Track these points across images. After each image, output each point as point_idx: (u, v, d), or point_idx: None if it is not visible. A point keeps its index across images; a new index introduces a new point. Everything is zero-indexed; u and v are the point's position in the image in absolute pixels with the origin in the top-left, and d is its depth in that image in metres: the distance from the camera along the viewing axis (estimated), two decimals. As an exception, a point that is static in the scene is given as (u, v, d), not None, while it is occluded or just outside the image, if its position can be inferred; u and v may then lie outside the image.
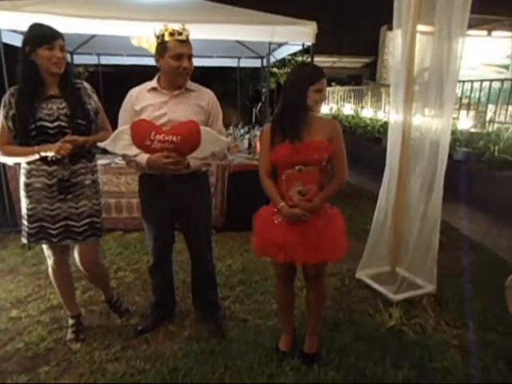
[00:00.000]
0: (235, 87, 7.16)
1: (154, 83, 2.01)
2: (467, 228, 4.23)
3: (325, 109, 11.67)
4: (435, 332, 2.37)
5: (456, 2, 2.38)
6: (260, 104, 7.31)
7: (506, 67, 10.16)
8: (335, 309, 2.61)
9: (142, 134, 1.92)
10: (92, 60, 6.04)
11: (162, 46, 1.91)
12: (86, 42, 5.21)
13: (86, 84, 2.09)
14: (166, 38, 1.88)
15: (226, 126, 5.23)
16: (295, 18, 3.94)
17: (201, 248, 2.25)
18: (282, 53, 5.08)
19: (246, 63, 6.26)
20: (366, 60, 14.17)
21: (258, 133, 4.27)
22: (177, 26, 1.92)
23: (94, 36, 4.94)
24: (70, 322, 2.28)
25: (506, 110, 5.73)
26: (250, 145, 4.22)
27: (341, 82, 12.04)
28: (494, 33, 10.28)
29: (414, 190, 2.72)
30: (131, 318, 2.47)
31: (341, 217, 1.94)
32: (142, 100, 1.99)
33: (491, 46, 10.09)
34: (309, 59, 4.12)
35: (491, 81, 5.87)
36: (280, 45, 4.69)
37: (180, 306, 2.57)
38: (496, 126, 5.53)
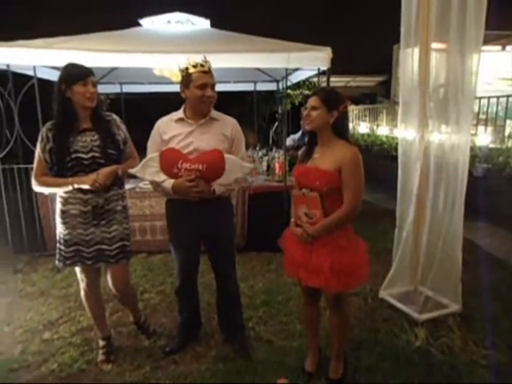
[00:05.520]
0: (251, 109, 7.33)
1: (180, 114, 2.14)
2: (490, 245, 4.18)
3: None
4: (463, 352, 2.34)
5: (469, 19, 2.43)
6: (276, 125, 7.44)
7: (523, 81, 10.10)
8: (359, 328, 2.61)
9: (170, 162, 2.03)
10: (115, 89, 6.33)
11: (186, 77, 2.06)
12: (109, 72, 5.48)
13: (114, 116, 2.23)
14: (190, 70, 2.03)
15: (245, 148, 5.37)
16: (308, 41, 4.07)
17: (226, 269, 2.32)
18: (298, 77, 5.21)
19: (262, 87, 6.42)
20: (380, 78, 14.30)
21: (276, 155, 4.36)
22: (199, 58, 2.06)
23: (116, 67, 5.20)
24: (101, 343, 2.35)
25: (525, 124, 5.70)
26: (268, 167, 4.31)
27: (355, 100, 12.14)
28: (508, 47, 10.28)
29: (436, 208, 2.73)
30: (159, 339, 2.53)
31: (359, 250, 1.91)
32: (170, 130, 2.11)
33: (506, 61, 10.06)
34: (323, 79, 4.24)
35: (508, 96, 5.85)
36: (295, 69, 4.82)
37: (205, 327, 2.61)
38: (515, 141, 5.49)
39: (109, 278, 2.23)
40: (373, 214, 5.39)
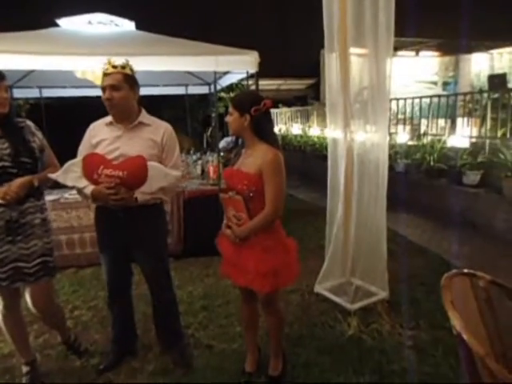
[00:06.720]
0: (184, 113, 7.23)
1: (110, 117, 2.05)
2: (412, 234, 4.54)
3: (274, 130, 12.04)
4: (391, 336, 2.51)
5: (380, 27, 2.64)
6: (211, 128, 7.42)
7: (435, 83, 11.14)
8: (298, 324, 2.68)
9: (91, 167, 1.93)
10: (34, 93, 5.85)
11: None
12: (26, 75, 5.06)
13: (28, 122, 2.08)
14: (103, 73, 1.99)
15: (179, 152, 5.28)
16: (240, 46, 4.11)
17: (159, 279, 2.22)
18: (228, 80, 5.25)
19: (193, 90, 6.35)
20: (310, 81, 14.86)
21: (210, 158, 4.34)
22: (120, 61, 1.99)
23: (33, 70, 4.82)
24: (25, 369, 2.15)
25: (437, 123, 6.28)
26: (202, 171, 4.27)
27: (287, 103, 12.50)
28: (422, 53, 11.29)
29: (361, 203, 2.90)
30: (91, 357, 2.38)
31: (288, 250, 1.94)
32: (99, 134, 2.03)
33: (421, 65, 11.03)
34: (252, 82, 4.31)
35: (421, 98, 6.41)
36: (225, 73, 4.85)
37: (142, 340, 2.51)
38: (430, 138, 6.02)
39: (28, 298, 2.04)
40: (308, 212, 5.59)
